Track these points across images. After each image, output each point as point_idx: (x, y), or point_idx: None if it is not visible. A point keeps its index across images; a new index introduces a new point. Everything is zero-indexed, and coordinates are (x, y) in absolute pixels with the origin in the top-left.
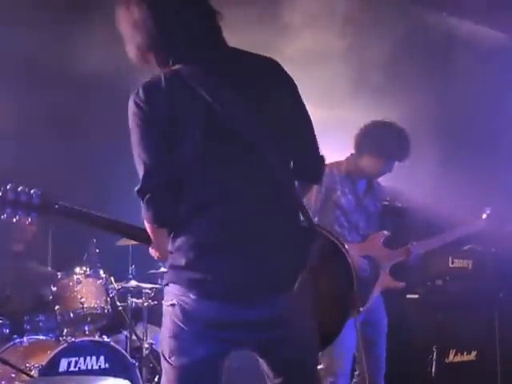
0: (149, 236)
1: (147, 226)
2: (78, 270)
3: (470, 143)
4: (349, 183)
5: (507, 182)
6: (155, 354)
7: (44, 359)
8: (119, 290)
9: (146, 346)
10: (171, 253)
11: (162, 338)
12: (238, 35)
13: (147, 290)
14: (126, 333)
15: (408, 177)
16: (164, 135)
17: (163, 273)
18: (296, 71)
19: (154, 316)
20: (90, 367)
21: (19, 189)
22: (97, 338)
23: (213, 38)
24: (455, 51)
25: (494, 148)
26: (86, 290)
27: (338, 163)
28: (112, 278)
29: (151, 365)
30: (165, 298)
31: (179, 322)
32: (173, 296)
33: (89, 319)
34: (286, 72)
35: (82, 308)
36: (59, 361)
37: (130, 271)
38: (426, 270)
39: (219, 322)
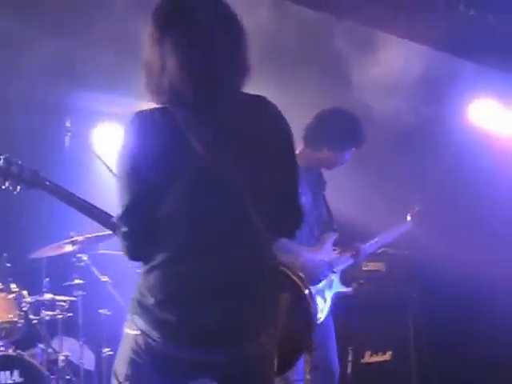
0: None
1: None
2: None
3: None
4: (307, 179)
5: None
6: (72, 366)
7: None
8: (33, 303)
9: (62, 358)
10: (140, 292)
11: (118, 360)
12: None
13: (62, 303)
14: (41, 346)
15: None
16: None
17: (78, 284)
18: None
19: (69, 328)
20: (3, 382)
21: (12, 160)
22: (10, 352)
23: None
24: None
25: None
26: None
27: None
28: (25, 292)
29: (67, 377)
30: (127, 324)
31: (140, 351)
32: (136, 327)
33: (3, 334)
34: (285, 121)
35: None
36: None
37: (43, 284)
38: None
39: (180, 360)
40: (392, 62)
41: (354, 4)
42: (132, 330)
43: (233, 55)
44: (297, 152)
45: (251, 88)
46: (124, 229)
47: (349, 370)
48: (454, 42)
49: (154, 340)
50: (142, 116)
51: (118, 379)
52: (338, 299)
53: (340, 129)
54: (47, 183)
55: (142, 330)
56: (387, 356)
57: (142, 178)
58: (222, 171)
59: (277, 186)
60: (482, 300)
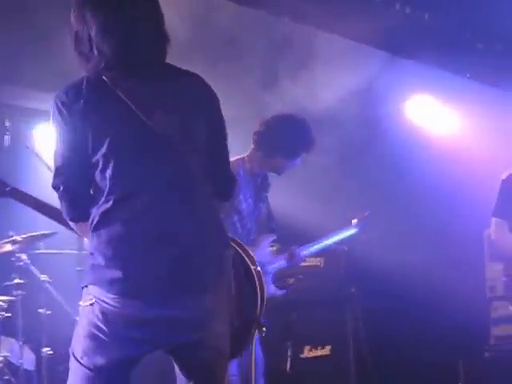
0: None
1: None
2: None
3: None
4: (252, 185)
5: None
6: (11, 367)
7: None
8: None
9: (1, 358)
10: (91, 254)
11: (75, 338)
12: None
13: (1, 303)
14: None
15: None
16: (81, 137)
17: (18, 284)
18: None
19: (8, 328)
20: None
21: None
22: None
23: (153, 51)
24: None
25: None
26: None
27: (242, 161)
28: None
29: (6, 377)
30: (83, 299)
31: (97, 321)
32: (92, 296)
33: None
34: (210, 89)
35: None
36: None
37: None
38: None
39: (134, 320)
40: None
41: (292, 1)
42: (87, 301)
43: (150, 24)
44: (247, 153)
45: None
46: (59, 190)
47: (288, 365)
48: (390, 39)
49: (110, 304)
50: (71, 84)
51: (75, 356)
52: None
53: (294, 137)
54: (17, 192)
55: (96, 297)
56: (326, 350)
57: (73, 136)
58: (158, 127)
59: (210, 150)
60: (419, 294)
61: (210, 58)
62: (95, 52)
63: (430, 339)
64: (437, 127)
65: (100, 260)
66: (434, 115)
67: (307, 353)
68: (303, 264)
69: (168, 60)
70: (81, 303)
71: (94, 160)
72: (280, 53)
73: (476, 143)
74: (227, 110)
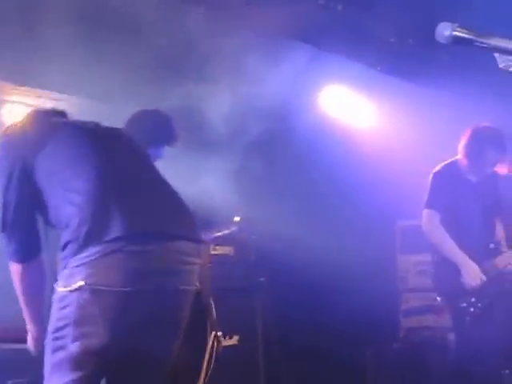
0: None
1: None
2: None
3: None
4: None
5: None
6: None
7: None
8: None
9: None
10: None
11: (61, 326)
12: None
13: None
14: None
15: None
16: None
17: None
18: None
19: None
20: None
21: None
22: None
23: None
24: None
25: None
26: None
27: None
28: None
29: None
30: (64, 283)
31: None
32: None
33: None
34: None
35: None
36: None
37: None
38: None
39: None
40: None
41: None
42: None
43: None
44: None
45: None
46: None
47: None
48: (304, 30)
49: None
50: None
51: (61, 347)
52: None
53: (148, 124)
54: None
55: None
56: (234, 340)
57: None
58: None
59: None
60: (330, 285)
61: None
62: None
63: (339, 330)
64: (351, 119)
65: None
66: (349, 107)
67: None
68: (213, 252)
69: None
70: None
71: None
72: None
73: (390, 137)
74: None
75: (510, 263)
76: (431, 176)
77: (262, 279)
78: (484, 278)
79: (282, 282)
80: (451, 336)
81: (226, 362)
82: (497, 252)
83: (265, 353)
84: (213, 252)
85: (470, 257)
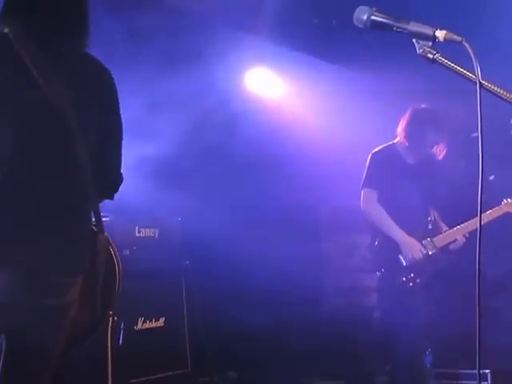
0: None
1: None
2: None
3: None
4: None
5: None
6: None
7: None
8: None
9: None
10: None
11: None
12: None
13: None
14: None
15: None
16: None
17: None
18: None
19: None
20: None
21: None
22: None
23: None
24: None
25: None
26: None
27: None
28: None
29: None
30: None
31: None
32: None
33: None
34: (113, 82)
35: None
36: None
37: None
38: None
39: None
40: None
41: None
42: None
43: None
44: None
45: None
46: None
47: (121, 337)
48: (228, 15)
49: None
50: None
51: None
52: None
53: None
54: None
55: None
56: (160, 322)
57: None
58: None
59: (101, 136)
60: (255, 267)
61: None
62: None
63: (265, 313)
64: (273, 100)
65: None
66: (272, 88)
67: (141, 325)
68: (137, 235)
69: None
70: None
71: None
72: None
73: (311, 117)
74: None
75: (447, 242)
76: (370, 156)
77: (186, 262)
78: (424, 251)
79: (206, 265)
80: (377, 314)
81: (152, 344)
82: (436, 232)
83: (190, 334)
84: (137, 234)
85: (409, 236)
